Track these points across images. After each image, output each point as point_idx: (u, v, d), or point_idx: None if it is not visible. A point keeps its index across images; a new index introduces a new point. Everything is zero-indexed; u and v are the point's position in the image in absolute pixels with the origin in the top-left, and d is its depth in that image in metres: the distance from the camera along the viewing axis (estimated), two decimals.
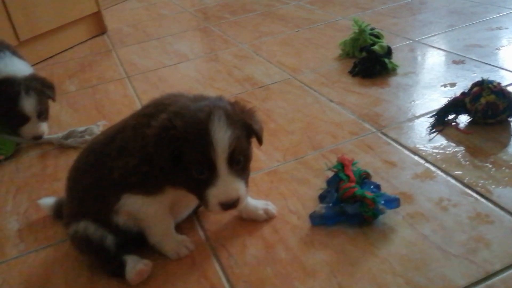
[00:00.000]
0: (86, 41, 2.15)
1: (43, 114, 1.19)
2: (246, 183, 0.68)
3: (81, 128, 1.22)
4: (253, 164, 0.97)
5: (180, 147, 0.63)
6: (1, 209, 0.98)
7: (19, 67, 1.16)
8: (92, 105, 1.43)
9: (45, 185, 1.05)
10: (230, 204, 0.64)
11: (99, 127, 1.24)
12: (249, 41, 1.75)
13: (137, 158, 0.68)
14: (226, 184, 0.63)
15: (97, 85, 1.58)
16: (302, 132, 1.07)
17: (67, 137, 1.19)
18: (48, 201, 0.91)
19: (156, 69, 1.64)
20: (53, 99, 1.22)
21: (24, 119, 1.15)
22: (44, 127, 1.19)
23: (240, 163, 0.66)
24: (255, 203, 0.80)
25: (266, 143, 1.04)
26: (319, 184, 0.86)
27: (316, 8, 2.01)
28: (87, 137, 1.18)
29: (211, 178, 0.63)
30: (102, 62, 1.83)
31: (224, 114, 0.64)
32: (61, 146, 1.19)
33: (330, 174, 0.85)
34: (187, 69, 1.58)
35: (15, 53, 1.18)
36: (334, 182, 0.80)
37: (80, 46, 2.07)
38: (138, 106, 1.36)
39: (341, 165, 0.81)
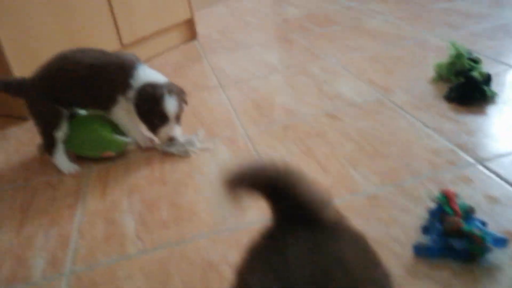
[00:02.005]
0: (178, 46, 2.28)
1: (179, 117, 1.27)
2: None
3: (182, 139, 1.30)
4: (350, 186, 1.02)
5: None
6: (117, 208, 1.09)
7: (157, 76, 1.26)
8: (190, 110, 1.53)
9: (154, 187, 1.15)
10: None
11: (198, 136, 1.32)
12: (337, 55, 1.78)
13: None
14: None
15: (192, 91, 1.68)
16: (398, 156, 1.09)
17: (169, 145, 1.29)
18: None
19: (247, 79, 1.72)
20: (186, 103, 1.30)
21: (165, 120, 1.23)
22: (178, 130, 1.27)
23: None
24: None
25: (363, 165, 1.08)
26: (420, 213, 0.89)
27: (405, 24, 2.00)
28: (188, 148, 1.27)
29: None
30: (194, 68, 1.94)
31: None
32: (164, 152, 1.30)
33: (431, 203, 0.87)
34: (278, 81, 1.65)
35: (147, 65, 1.29)
36: (437, 213, 0.83)
37: (173, 51, 2.20)
38: (233, 117, 1.44)
39: (445, 198, 0.84)
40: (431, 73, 1.48)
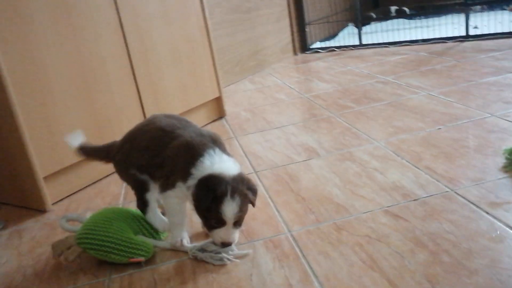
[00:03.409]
0: (205, 125, 2.16)
1: (239, 221, 1.07)
2: None
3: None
4: None
5: None
6: None
7: (227, 165, 1.06)
8: None
9: None
10: None
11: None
12: (384, 137, 1.62)
13: None
14: None
15: None
16: (488, 272, 0.88)
17: (202, 249, 1.11)
18: None
19: (284, 165, 1.55)
20: (253, 205, 1.09)
21: (220, 223, 1.05)
22: (235, 235, 1.08)
23: None
24: None
25: (445, 284, 0.87)
26: None
27: (453, 100, 1.85)
28: (223, 255, 1.08)
29: None
30: None
31: None
32: (195, 259, 1.11)
33: None
34: (320, 168, 1.47)
35: (224, 150, 1.10)
36: None
37: None
38: (274, 212, 1.26)
39: None
40: (500, 159, 1.29)
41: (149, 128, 1.17)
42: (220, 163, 1.05)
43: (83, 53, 1.59)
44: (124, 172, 1.22)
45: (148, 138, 1.15)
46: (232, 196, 1.02)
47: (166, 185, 1.10)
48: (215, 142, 1.10)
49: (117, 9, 1.70)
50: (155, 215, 1.22)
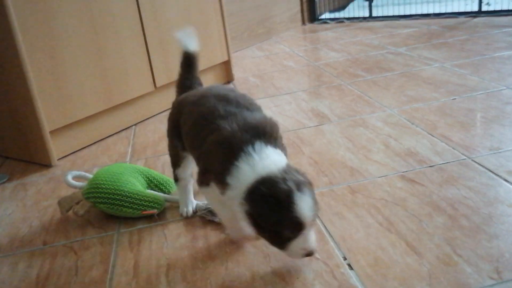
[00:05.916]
0: None
1: (314, 220, 0.81)
2: None
3: None
4: (456, 278, 0.79)
5: None
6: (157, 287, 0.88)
7: (270, 161, 0.81)
8: None
9: (199, 263, 0.94)
10: None
11: None
12: (397, 106, 1.59)
13: None
14: None
15: None
16: (509, 237, 0.87)
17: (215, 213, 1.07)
18: None
19: (296, 129, 1.53)
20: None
21: (299, 229, 0.78)
22: (313, 237, 0.82)
23: None
24: None
25: (465, 247, 0.86)
26: None
27: (467, 72, 1.81)
28: None
29: None
30: None
31: None
32: (203, 218, 1.08)
33: None
34: (332, 133, 1.45)
35: (269, 141, 0.84)
36: None
37: None
38: None
39: None
40: None
41: (195, 109, 0.97)
42: (262, 161, 0.81)
43: (94, 9, 1.54)
44: (169, 134, 1.09)
45: (191, 123, 0.97)
46: (300, 189, 0.78)
47: (201, 181, 0.93)
48: (259, 135, 0.85)
49: None
50: (182, 194, 1.11)
